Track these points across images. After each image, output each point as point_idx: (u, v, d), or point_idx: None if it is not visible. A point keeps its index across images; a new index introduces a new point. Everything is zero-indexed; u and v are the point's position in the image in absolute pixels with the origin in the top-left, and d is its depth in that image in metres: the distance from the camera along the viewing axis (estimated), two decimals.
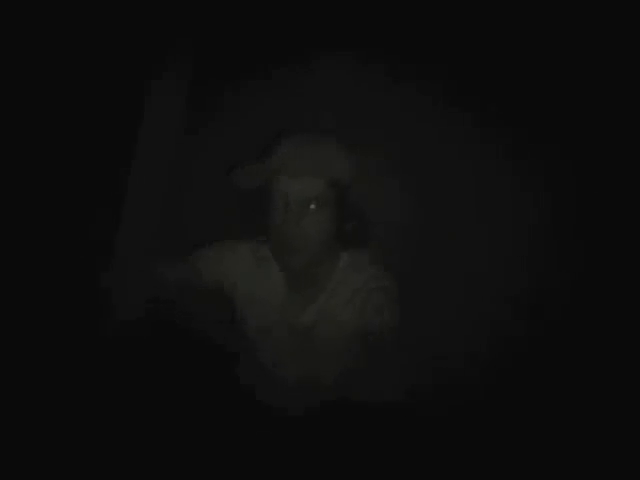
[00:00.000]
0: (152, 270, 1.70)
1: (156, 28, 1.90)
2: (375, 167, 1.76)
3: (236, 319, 1.70)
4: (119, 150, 1.91)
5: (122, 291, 1.71)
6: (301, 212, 1.50)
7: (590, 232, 1.86)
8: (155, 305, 1.70)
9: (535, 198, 1.90)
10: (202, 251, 1.70)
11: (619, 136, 1.88)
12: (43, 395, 1.68)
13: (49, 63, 1.90)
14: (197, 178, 2.01)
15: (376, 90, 1.96)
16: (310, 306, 1.61)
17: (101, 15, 1.89)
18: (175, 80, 1.93)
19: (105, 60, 1.91)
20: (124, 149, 1.90)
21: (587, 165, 1.87)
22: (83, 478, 1.54)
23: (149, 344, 1.69)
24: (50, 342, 1.79)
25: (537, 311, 1.84)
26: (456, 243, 1.93)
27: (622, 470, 1.65)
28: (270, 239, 1.56)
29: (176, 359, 1.70)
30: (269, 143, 1.56)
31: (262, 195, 1.55)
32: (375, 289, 1.54)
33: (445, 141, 1.95)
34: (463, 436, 1.68)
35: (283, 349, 1.65)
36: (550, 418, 1.76)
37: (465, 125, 1.92)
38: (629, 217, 1.87)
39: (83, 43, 1.90)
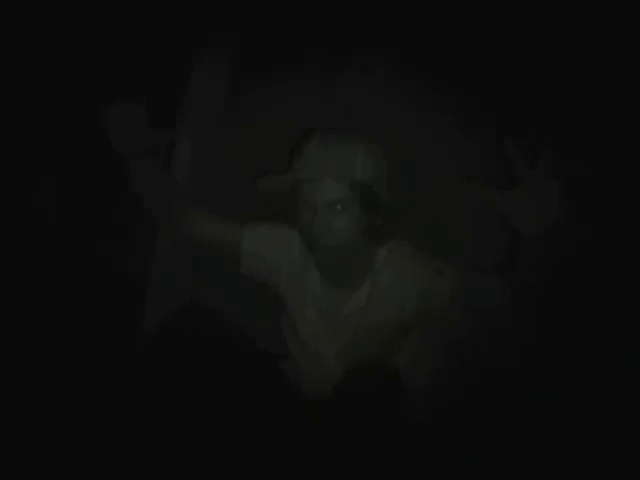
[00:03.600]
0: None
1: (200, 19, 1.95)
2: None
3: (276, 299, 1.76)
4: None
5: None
6: (329, 214, 1.57)
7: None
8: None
9: None
10: (257, 223, 1.75)
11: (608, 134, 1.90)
12: (86, 391, 1.75)
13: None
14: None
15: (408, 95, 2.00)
16: (354, 295, 1.67)
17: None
18: (214, 77, 1.99)
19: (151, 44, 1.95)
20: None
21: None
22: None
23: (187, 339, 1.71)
24: (92, 338, 1.85)
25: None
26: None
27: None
28: (302, 239, 1.63)
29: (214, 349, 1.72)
30: (293, 149, 1.61)
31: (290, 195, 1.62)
32: (435, 274, 1.62)
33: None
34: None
35: (322, 336, 1.71)
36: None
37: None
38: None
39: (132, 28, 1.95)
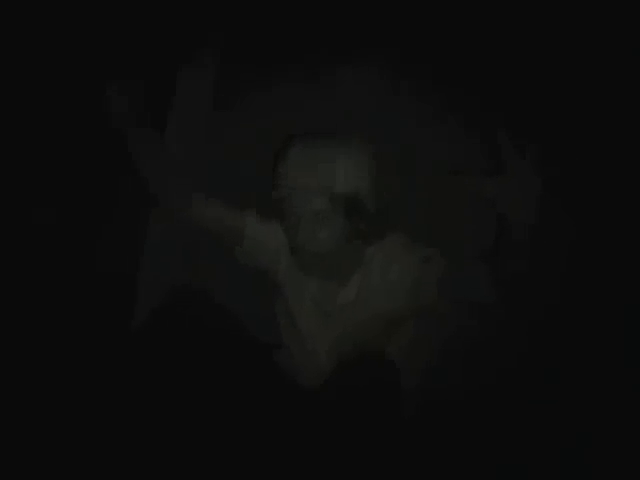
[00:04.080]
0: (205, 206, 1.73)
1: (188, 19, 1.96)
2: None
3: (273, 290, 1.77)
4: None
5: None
6: (312, 223, 1.59)
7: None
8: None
9: None
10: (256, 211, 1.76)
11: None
12: (73, 389, 1.75)
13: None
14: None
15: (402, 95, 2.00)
16: (344, 290, 1.68)
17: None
18: (201, 79, 1.99)
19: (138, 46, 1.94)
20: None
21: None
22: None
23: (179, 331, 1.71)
24: (79, 335, 1.86)
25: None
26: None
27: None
28: (288, 242, 1.65)
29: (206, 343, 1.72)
30: (276, 157, 1.62)
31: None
32: (423, 262, 1.62)
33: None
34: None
35: (316, 329, 1.71)
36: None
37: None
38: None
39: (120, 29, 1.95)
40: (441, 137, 1.99)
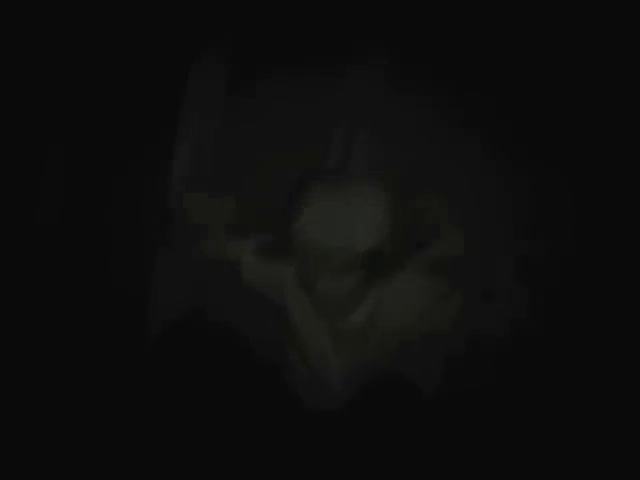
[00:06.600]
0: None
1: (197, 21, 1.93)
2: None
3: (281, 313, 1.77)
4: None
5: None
6: (332, 276, 1.58)
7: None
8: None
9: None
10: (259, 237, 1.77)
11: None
12: (89, 399, 1.78)
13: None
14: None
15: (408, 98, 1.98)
16: (356, 313, 1.67)
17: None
18: (213, 77, 1.97)
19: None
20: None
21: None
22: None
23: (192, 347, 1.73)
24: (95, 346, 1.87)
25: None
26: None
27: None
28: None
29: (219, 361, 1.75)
30: (290, 211, 1.58)
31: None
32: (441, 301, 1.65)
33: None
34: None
35: (327, 350, 1.72)
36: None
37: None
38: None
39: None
40: (440, 138, 1.99)
